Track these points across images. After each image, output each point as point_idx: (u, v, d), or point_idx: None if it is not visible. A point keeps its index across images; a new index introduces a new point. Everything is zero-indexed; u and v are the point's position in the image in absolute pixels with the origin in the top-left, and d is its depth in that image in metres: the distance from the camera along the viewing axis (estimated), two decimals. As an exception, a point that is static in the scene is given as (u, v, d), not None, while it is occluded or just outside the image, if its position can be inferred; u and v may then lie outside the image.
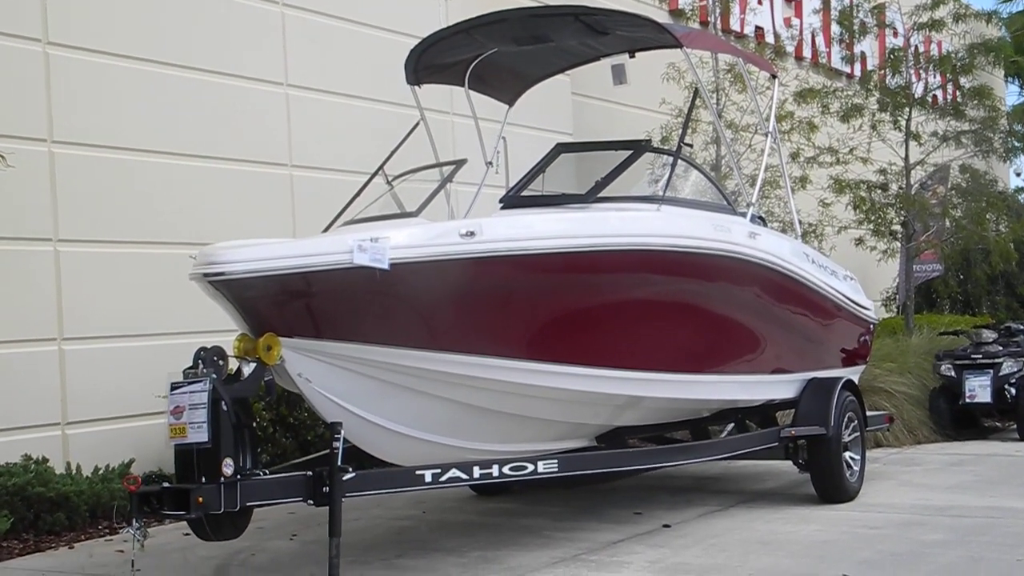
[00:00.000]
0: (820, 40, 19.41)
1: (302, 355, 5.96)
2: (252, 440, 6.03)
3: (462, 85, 9.07)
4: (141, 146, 9.52)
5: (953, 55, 16.00)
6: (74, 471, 8.40)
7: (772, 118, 9.27)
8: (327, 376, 6.06)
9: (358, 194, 8.11)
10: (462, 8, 10.84)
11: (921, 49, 16.81)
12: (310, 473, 5.99)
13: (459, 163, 7.84)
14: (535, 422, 7.11)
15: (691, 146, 7.64)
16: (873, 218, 15.45)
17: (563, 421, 7.33)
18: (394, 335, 6.12)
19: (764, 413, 9.24)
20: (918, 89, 16.00)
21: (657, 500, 8.87)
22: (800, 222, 14.95)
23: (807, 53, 19.37)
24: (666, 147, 13.99)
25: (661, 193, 7.47)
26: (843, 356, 9.47)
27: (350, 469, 5.93)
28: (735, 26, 17.62)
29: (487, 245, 6.24)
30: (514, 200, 7.56)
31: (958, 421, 12.25)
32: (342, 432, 5.94)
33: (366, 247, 5.79)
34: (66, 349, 8.86)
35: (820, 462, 8.55)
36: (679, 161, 7.79)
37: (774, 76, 9.63)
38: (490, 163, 9.31)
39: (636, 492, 9.18)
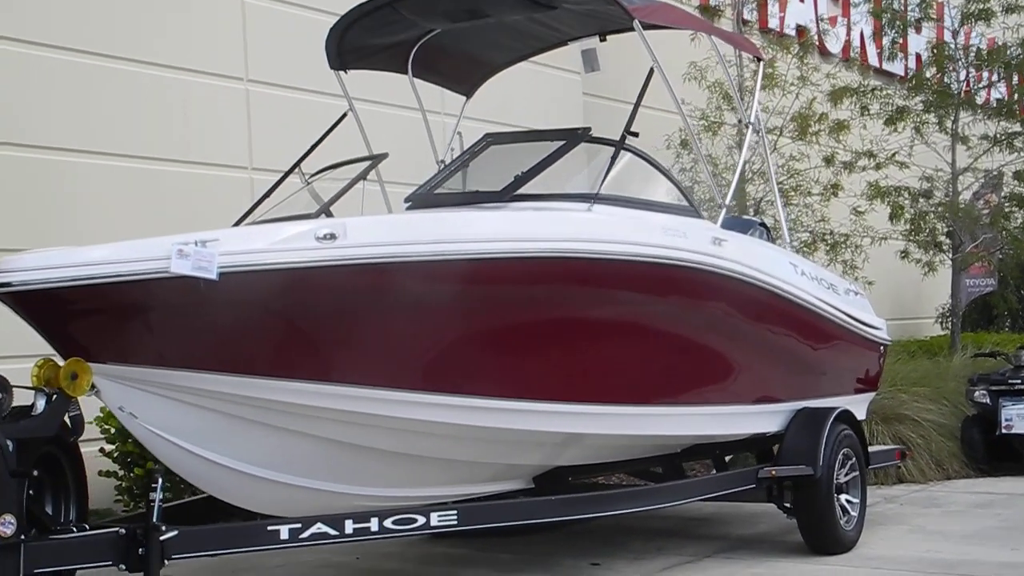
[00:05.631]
0: (867, 35, 18.08)
1: (121, 385, 4.91)
2: (69, 490, 4.99)
3: (404, 72, 7.96)
4: (80, 147, 8.73)
5: (1007, 48, 14.61)
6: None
7: (755, 107, 8.06)
8: (157, 410, 4.99)
9: (269, 193, 7.19)
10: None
11: (978, 44, 15.42)
12: (122, 531, 4.88)
13: (377, 158, 6.80)
14: (444, 463, 5.98)
15: (636, 135, 6.41)
16: (915, 228, 14.12)
17: (484, 462, 6.20)
18: (235, 361, 5.02)
19: (760, 448, 8.03)
20: (964, 87, 14.64)
21: (624, 547, 7.71)
22: (831, 232, 13.78)
23: (852, 53, 18.07)
24: (679, 150, 12.95)
25: (595, 190, 6.28)
26: (843, 383, 8.19)
27: (163, 528, 4.81)
28: (774, 25, 16.46)
29: (349, 251, 5.10)
30: (421, 199, 6.44)
31: (994, 454, 10.83)
32: (160, 481, 4.86)
33: (188, 252, 4.72)
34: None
35: (808, 507, 7.32)
36: (625, 153, 6.59)
37: (759, 59, 8.40)
38: (442, 161, 8.17)
39: (605, 535, 8.04)
